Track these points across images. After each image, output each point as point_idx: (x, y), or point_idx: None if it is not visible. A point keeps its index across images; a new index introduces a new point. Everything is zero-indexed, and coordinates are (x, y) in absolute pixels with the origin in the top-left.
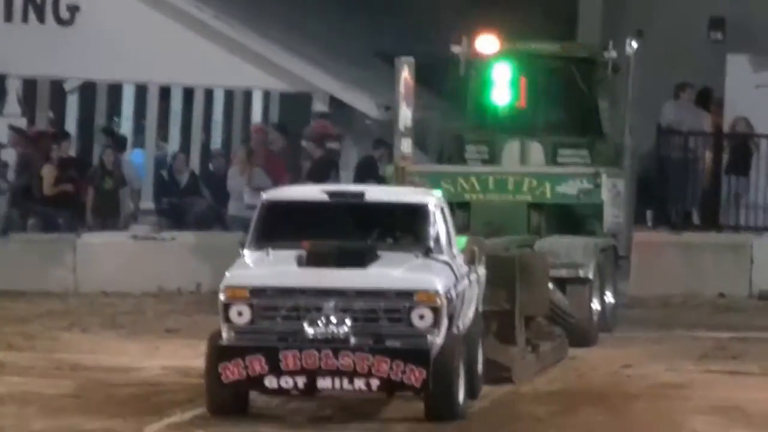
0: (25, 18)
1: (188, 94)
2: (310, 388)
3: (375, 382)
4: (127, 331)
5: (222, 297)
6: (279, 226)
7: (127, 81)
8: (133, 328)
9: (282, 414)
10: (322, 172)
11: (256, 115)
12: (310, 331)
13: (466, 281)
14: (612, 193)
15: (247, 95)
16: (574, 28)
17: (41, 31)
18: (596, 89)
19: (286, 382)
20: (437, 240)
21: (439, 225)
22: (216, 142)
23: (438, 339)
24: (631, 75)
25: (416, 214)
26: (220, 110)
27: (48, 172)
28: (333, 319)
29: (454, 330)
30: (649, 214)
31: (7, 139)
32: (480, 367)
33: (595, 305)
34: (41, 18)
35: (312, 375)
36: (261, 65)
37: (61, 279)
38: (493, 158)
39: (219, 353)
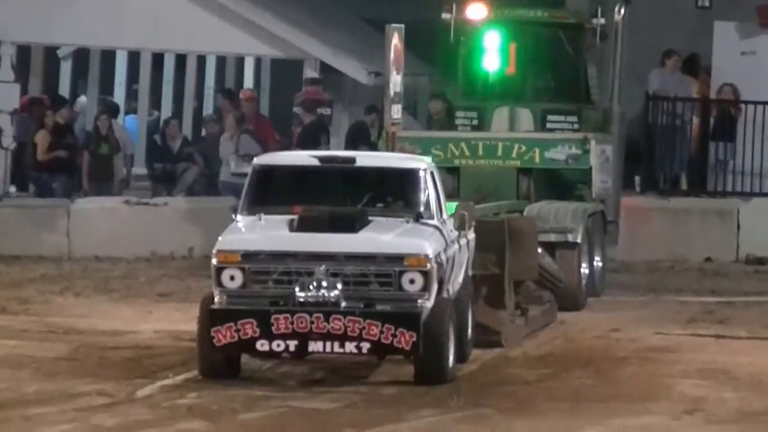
0: None
1: (181, 60)
2: (302, 351)
3: (366, 345)
4: (120, 295)
5: (214, 261)
6: (271, 191)
7: (120, 48)
8: (125, 292)
9: (273, 377)
10: (313, 137)
11: (248, 82)
12: (301, 294)
13: (456, 246)
14: (600, 159)
15: (239, 62)
16: None
17: (36, 1)
18: (584, 56)
19: (278, 345)
20: (427, 205)
21: (429, 190)
22: (208, 109)
23: (428, 303)
24: (619, 42)
25: (406, 180)
26: (212, 77)
27: (42, 138)
28: (324, 283)
29: (444, 294)
30: (637, 179)
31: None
32: (470, 330)
33: (584, 269)
34: None
35: (303, 338)
36: (252, 32)
37: (54, 244)
38: (482, 124)
39: (211, 317)
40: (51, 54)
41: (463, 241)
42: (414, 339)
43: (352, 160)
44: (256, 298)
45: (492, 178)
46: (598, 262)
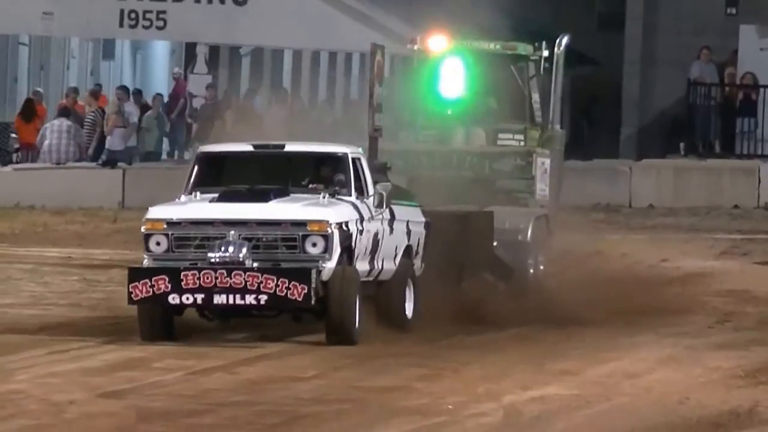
0: (210, 0)
1: (332, 57)
2: (208, 304)
3: (263, 297)
4: None
5: (143, 229)
6: (210, 175)
7: (286, 47)
8: None
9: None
10: None
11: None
12: (212, 255)
13: (381, 225)
14: (540, 170)
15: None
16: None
17: (222, 9)
18: (530, 83)
19: (187, 298)
20: (346, 185)
21: (350, 172)
22: (354, 94)
23: (329, 263)
24: (559, 72)
25: (328, 163)
26: (357, 70)
27: (229, 116)
28: (231, 246)
29: (369, 265)
30: (681, 145)
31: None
32: (408, 311)
33: (531, 263)
34: None
35: (209, 292)
36: (388, 35)
37: None
38: (441, 142)
39: (130, 275)
40: (234, 52)
41: (399, 227)
42: (305, 291)
43: (282, 146)
44: (179, 261)
45: (448, 186)
46: (541, 260)
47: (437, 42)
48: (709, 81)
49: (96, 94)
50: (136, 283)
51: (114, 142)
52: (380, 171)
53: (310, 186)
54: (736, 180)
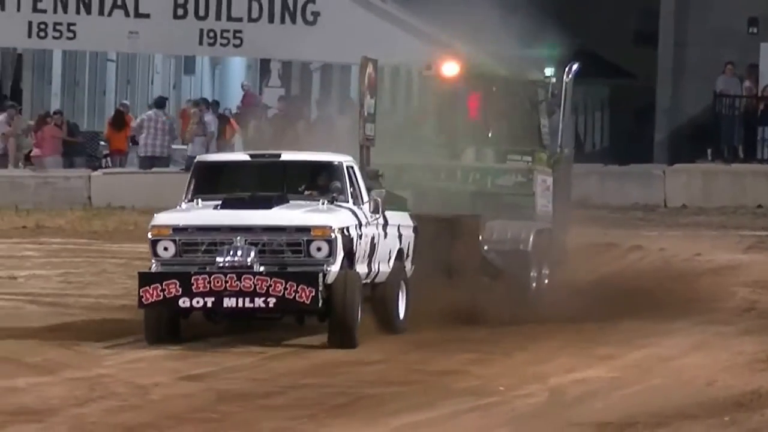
0: (282, 20)
1: (394, 72)
2: (217, 307)
3: (272, 300)
4: None
5: (149, 235)
6: (209, 183)
7: (354, 63)
8: None
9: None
10: None
11: None
12: (220, 260)
13: (377, 230)
14: (542, 187)
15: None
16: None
17: (294, 28)
18: (538, 107)
19: (197, 302)
20: (343, 191)
21: (345, 180)
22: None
23: (333, 267)
24: (568, 98)
25: (326, 171)
26: (416, 85)
27: (302, 126)
28: (239, 251)
29: (366, 267)
30: (708, 151)
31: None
32: (401, 310)
33: (534, 276)
34: (293, 20)
35: (219, 295)
36: (443, 49)
37: None
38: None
39: (141, 279)
40: (305, 67)
41: (392, 231)
42: (313, 294)
43: (278, 155)
44: (186, 266)
45: (450, 199)
46: (545, 274)
47: (450, 67)
48: (733, 93)
49: (197, 106)
50: (147, 288)
51: (194, 149)
52: (371, 179)
53: (306, 193)
54: (758, 182)
